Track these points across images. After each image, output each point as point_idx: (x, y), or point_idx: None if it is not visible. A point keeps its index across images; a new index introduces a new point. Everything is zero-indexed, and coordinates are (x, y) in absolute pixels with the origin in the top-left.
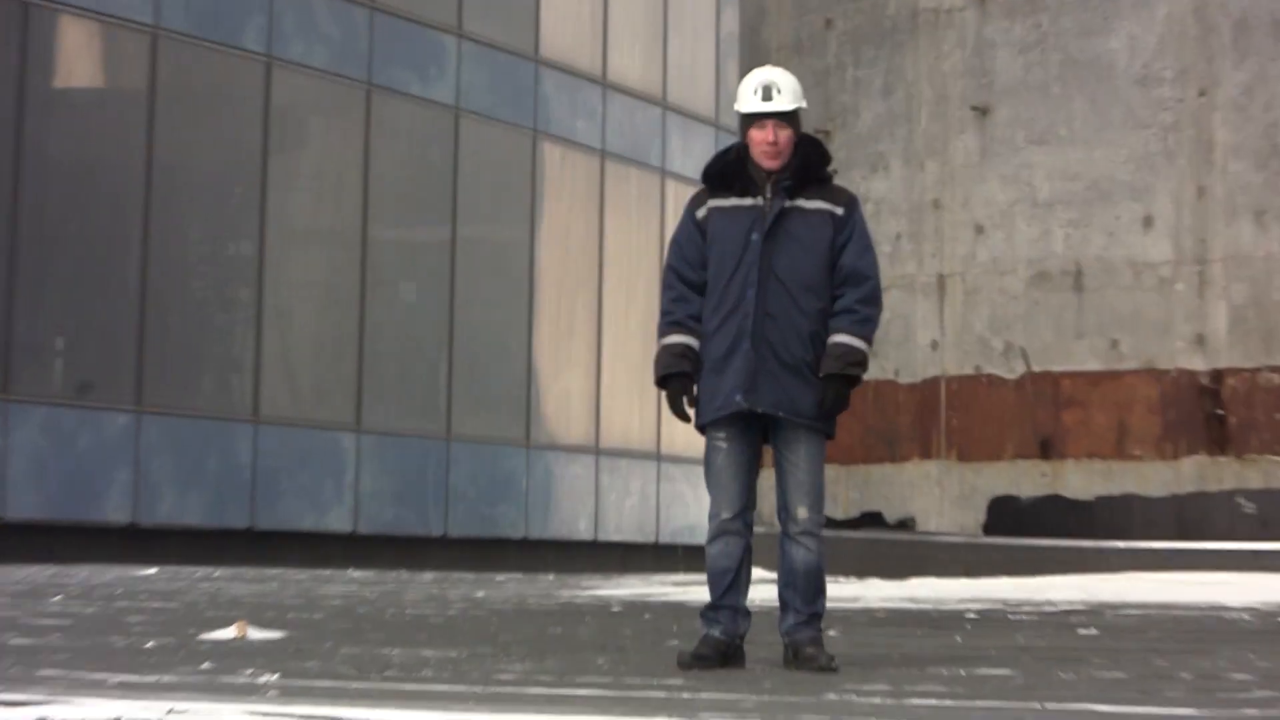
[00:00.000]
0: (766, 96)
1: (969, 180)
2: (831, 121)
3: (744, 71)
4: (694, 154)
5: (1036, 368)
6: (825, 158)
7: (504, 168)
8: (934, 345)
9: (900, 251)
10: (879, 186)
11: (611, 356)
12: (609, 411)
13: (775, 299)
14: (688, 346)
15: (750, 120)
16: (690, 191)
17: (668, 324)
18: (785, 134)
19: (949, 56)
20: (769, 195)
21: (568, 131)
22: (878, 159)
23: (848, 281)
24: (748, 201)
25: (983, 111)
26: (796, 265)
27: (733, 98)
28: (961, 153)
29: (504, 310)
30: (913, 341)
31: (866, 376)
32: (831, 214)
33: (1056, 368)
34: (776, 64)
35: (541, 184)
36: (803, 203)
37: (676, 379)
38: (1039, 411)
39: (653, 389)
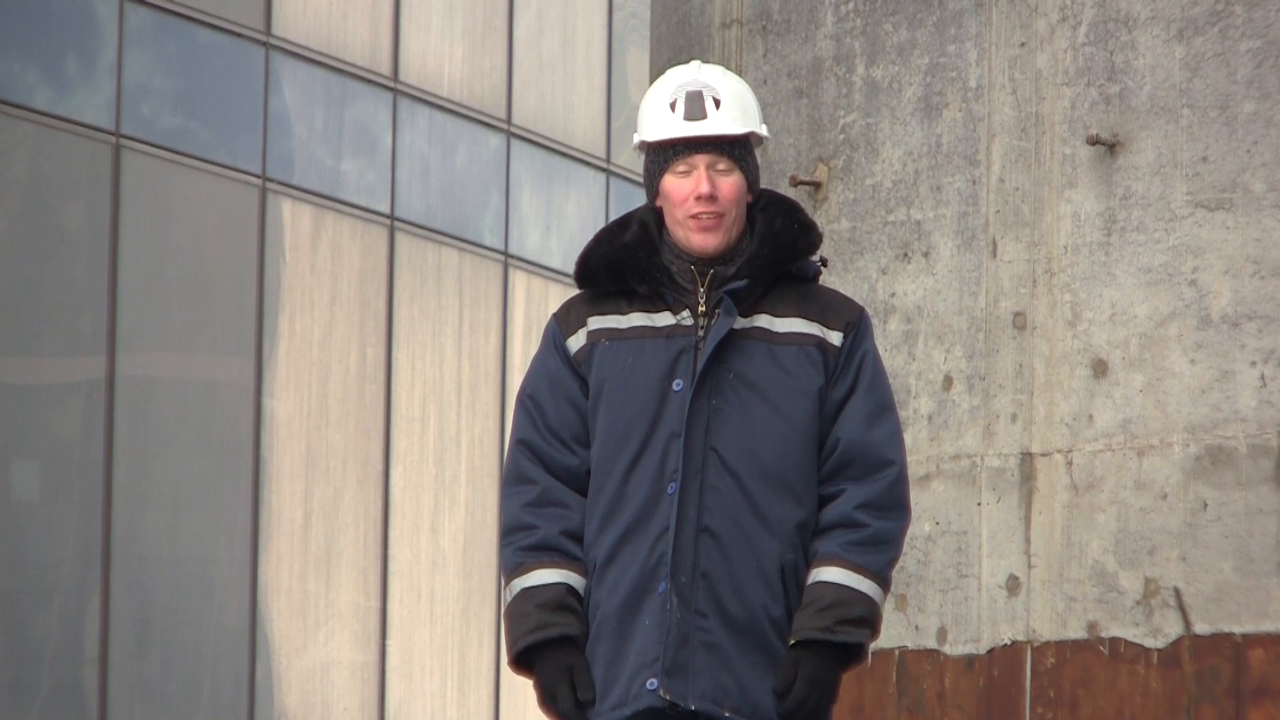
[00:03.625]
0: (694, 112)
1: (1081, 276)
2: (825, 164)
3: (658, 74)
4: (566, 220)
5: (1203, 627)
6: (809, 235)
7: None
8: (1011, 586)
9: (948, 410)
10: (910, 288)
11: (407, 599)
12: (401, 704)
13: (719, 502)
14: (568, 590)
15: (663, 159)
16: (554, 294)
17: (523, 550)
18: (730, 183)
19: (1048, 42)
20: (703, 306)
21: (317, 184)
22: (910, 234)
23: (848, 470)
24: (664, 319)
25: (1109, 148)
26: (757, 440)
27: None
28: (1068, 224)
29: (205, 515)
30: (971, 578)
31: (883, 643)
32: (820, 343)
33: (1240, 627)
34: (720, 56)
35: (277, 267)
36: (768, 321)
37: (557, 652)
38: (1206, 708)
39: (481, 666)
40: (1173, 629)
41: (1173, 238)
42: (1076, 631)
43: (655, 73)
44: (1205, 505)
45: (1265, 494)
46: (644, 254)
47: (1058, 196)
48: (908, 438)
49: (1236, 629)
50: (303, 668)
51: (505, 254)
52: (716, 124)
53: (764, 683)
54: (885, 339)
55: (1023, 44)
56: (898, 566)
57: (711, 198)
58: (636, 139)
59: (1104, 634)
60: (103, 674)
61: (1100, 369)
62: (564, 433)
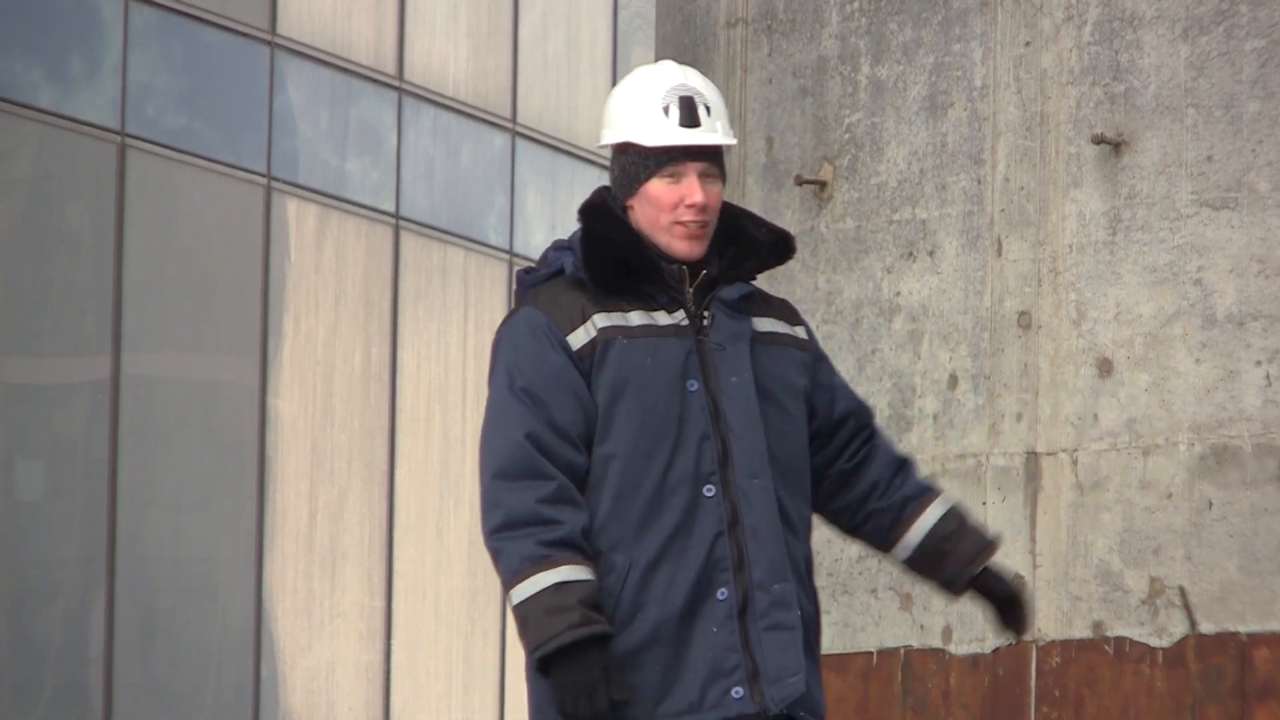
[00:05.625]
0: (689, 119)
1: (1086, 275)
2: (830, 163)
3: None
4: (570, 219)
5: (1208, 627)
6: (790, 242)
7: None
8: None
9: (954, 408)
10: (915, 287)
11: (412, 599)
12: (406, 704)
13: (757, 504)
14: (596, 589)
15: (653, 164)
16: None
17: (548, 544)
18: (716, 192)
19: (1054, 42)
20: (691, 305)
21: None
22: (915, 233)
23: (863, 430)
24: (662, 318)
25: (1114, 147)
26: (773, 439)
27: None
28: (1073, 223)
29: (209, 515)
30: None
31: (888, 642)
32: (799, 343)
33: (1245, 627)
34: (725, 56)
35: (282, 267)
36: (755, 322)
37: (597, 650)
38: (1211, 707)
39: (486, 666)
40: (1178, 628)
41: (1178, 237)
42: (1081, 631)
43: None
44: (1210, 504)
45: (1270, 493)
46: (639, 251)
47: (1063, 196)
48: (913, 436)
49: (1241, 628)
50: (307, 668)
51: (510, 253)
52: (712, 133)
53: (814, 679)
54: (890, 338)
55: (1028, 43)
56: (899, 566)
57: (704, 207)
58: (617, 138)
59: (1109, 633)
60: (107, 674)
61: (1105, 368)
62: (571, 430)
